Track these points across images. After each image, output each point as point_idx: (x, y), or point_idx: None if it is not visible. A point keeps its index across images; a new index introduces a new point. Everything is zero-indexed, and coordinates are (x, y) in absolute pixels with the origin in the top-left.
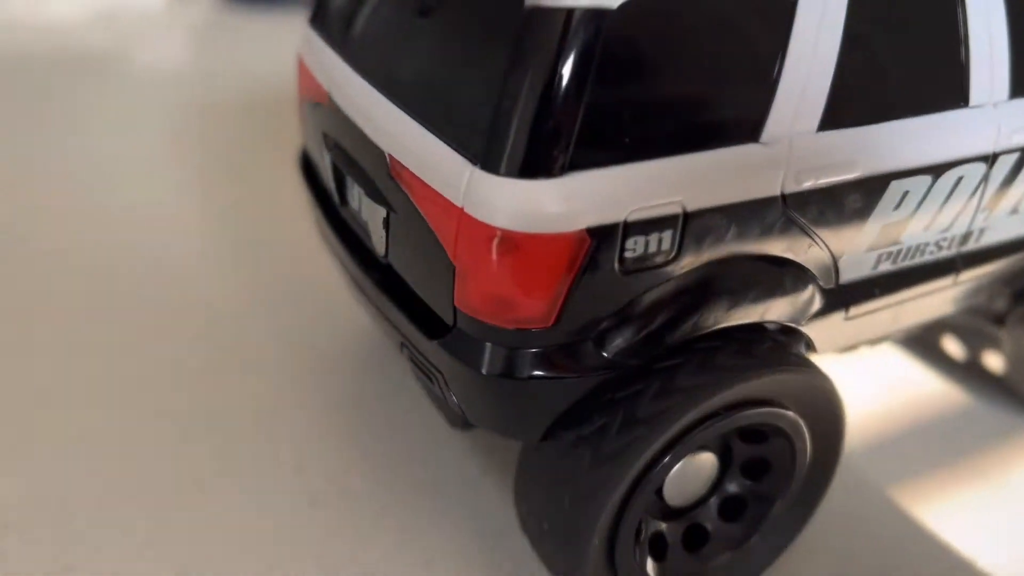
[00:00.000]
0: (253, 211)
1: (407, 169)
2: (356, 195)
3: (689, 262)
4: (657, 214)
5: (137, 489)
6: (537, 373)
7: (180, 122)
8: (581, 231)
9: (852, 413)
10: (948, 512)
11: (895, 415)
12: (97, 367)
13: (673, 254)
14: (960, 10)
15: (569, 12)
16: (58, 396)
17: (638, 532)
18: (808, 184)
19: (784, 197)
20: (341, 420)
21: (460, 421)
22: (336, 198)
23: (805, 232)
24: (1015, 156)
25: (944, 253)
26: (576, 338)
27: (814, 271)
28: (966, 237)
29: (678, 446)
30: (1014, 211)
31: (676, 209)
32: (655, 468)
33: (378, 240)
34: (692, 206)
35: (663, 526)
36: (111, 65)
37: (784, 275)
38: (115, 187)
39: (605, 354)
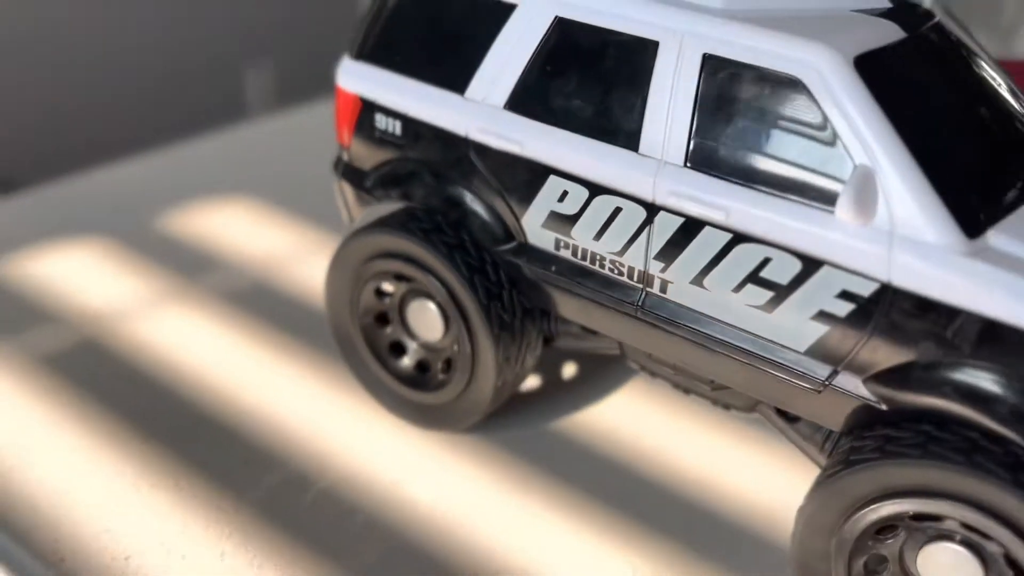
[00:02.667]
0: None
1: None
2: None
3: (413, 153)
4: (390, 106)
5: None
6: (351, 183)
7: None
8: (357, 96)
9: None
10: None
11: None
12: None
13: (403, 141)
14: (647, 75)
15: None
16: None
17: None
18: (481, 138)
19: (467, 140)
20: None
21: None
22: None
23: (488, 177)
24: (678, 220)
25: (624, 280)
26: (362, 166)
27: (499, 212)
28: (644, 277)
29: (379, 260)
30: (698, 283)
31: (402, 108)
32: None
33: None
34: (411, 113)
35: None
36: None
37: (466, 197)
38: None
39: (369, 185)
